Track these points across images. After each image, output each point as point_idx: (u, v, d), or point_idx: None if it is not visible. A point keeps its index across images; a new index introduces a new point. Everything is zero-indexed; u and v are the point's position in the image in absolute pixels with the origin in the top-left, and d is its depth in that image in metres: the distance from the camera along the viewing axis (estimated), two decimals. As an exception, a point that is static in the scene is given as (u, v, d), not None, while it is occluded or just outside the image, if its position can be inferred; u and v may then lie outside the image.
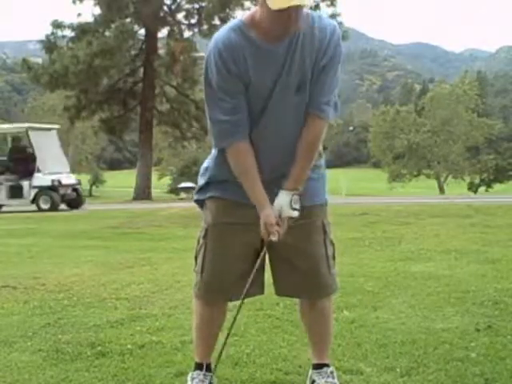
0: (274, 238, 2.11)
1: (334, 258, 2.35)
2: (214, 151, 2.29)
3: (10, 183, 16.50)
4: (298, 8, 1.92)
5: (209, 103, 2.16)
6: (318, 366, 2.39)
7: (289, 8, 1.89)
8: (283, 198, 2.14)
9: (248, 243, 2.26)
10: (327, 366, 2.40)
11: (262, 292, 2.38)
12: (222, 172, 2.25)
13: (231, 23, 2.14)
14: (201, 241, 2.34)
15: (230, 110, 2.10)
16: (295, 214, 2.14)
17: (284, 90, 2.11)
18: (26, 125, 17.98)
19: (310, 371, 2.41)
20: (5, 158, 17.20)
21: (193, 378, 2.38)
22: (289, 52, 2.07)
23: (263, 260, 2.26)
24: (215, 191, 2.28)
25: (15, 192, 16.51)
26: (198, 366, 2.40)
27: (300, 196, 2.15)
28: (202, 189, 2.34)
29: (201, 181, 2.34)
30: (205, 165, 2.35)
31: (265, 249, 2.21)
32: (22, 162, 16.60)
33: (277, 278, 2.36)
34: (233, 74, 2.07)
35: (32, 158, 16.53)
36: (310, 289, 2.27)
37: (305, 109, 2.15)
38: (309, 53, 2.08)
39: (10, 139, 18.21)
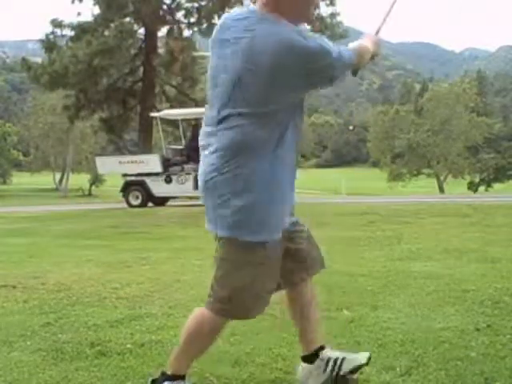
0: None
1: None
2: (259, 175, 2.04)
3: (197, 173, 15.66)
4: None
5: None
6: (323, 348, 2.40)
7: None
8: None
9: (280, 259, 2.22)
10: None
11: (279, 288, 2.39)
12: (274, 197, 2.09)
13: None
14: (246, 268, 2.10)
15: None
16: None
17: None
18: None
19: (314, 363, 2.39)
20: (182, 147, 16.88)
21: None
22: None
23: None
24: (265, 234, 2.09)
25: None
26: (181, 377, 2.26)
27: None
28: (254, 230, 2.07)
29: (252, 217, 2.05)
30: (243, 199, 2.03)
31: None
32: None
33: (289, 270, 2.30)
34: None
35: None
36: (314, 260, 2.36)
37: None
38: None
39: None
